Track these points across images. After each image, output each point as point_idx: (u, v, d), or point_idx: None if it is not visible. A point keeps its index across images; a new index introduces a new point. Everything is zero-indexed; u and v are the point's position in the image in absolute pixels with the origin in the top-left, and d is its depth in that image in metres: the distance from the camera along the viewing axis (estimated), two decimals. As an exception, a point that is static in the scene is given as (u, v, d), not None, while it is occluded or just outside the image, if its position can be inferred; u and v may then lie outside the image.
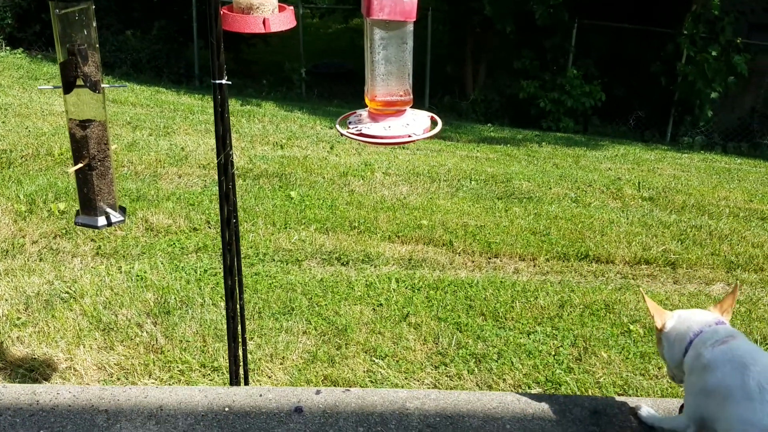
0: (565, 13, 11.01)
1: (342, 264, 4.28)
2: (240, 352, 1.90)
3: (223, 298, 2.36)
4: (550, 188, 6.01)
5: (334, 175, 5.98)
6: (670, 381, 3.09)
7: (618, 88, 11.50)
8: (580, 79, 11.21)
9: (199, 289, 3.69)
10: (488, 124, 11.15)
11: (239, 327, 1.87)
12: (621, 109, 11.66)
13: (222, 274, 2.18)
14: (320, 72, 13.50)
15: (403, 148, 7.58)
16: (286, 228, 4.69)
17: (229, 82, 1.60)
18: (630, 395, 2.98)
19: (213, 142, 6.30)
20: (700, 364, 1.98)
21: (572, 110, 11.23)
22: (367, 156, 6.79)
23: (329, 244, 4.48)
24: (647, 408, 2.35)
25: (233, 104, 9.55)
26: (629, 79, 11.73)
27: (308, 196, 5.34)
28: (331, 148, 6.98)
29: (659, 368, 3.21)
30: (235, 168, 1.64)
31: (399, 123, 1.75)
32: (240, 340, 1.88)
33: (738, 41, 11.01)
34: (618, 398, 2.55)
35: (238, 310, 1.82)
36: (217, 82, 1.57)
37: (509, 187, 5.98)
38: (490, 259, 4.55)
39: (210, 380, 2.94)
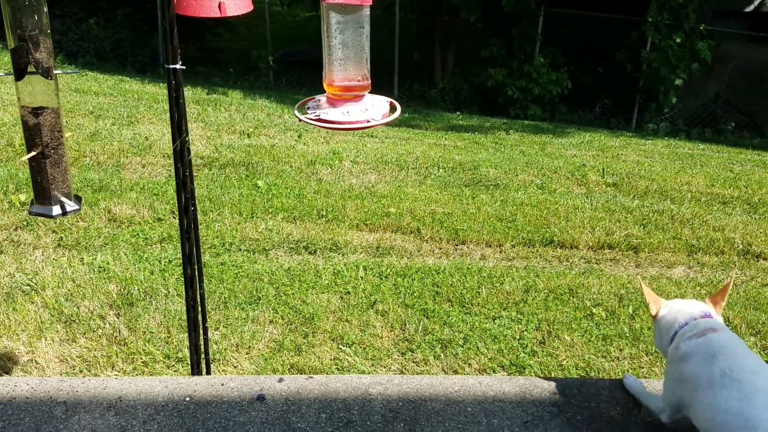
0: (532, 2, 11.06)
1: (309, 253, 4.27)
2: (201, 342, 1.89)
3: (186, 288, 2.34)
4: (517, 175, 6.06)
5: (302, 163, 5.95)
6: (630, 362, 3.15)
7: (584, 75, 11.61)
8: (546, 67, 11.29)
9: (164, 279, 3.65)
10: (457, 112, 11.18)
11: (200, 316, 1.86)
12: (587, 97, 11.78)
13: (183, 263, 2.17)
14: (288, 60, 13.39)
15: (372, 136, 7.56)
16: (253, 217, 4.66)
17: (183, 67, 1.58)
18: (591, 377, 3.04)
19: (178, 131, 6.18)
20: (677, 354, 2.04)
21: (539, 98, 11.31)
22: (335, 144, 6.77)
23: (297, 233, 4.46)
24: (632, 377, 2.40)
25: (199, 93, 9.43)
26: (595, 67, 11.85)
27: (275, 185, 5.31)
28: (298, 137, 6.93)
29: (620, 350, 3.27)
30: (191, 155, 1.62)
31: (358, 108, 1.74)
32: (201, 329, 1.87)
33: (702, 28, 11.18)
34: (578, 379, 2.59)
35: (198, 299, 1.81)
36: (171, 66, 1.55)
37: (476, 175, 6.01)
38: (457, 245, 4.58)
39: (174, 371, 2.92)
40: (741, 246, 4.68)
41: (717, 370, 1.88)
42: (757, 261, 4.55)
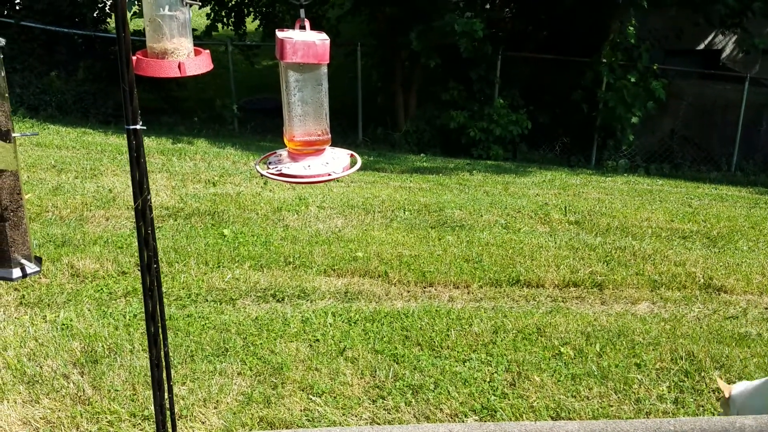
0: (489, 47, 11.37)
1: (277, 301, 4.25)
2: (166, 401, 1.86)
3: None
4: (482, 215, 6.14)
5: (268, 210, 5.95)
6: (600, 401, 3.18)
7: (543, 115, 11.90)
8: (506, 109, 11.55)
9: (128, 335, 3.59)
10: (421, 154, 11.33)
11: (164, 374, 1.84)
12: (547, 136, 12.06)
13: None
14: (253, 107, 13.45)
15: (338, 181, 7.62)
16: (219, 267, 4.63)
17: (144, 127, 1.60)
18: (562, 417, 3.05)
19: (142, 182, 6.14)
20: None
21: (501, 138, 11.53)
22: (301, 190, 6.79)
23: (264, 281, 4.44)
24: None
25: (164, 143, 9.40)
26: (553, 107, 12.16)
27: (242, 233, 5.29)
28: (264, 184, 6.94)
29: (590, 389, 3.30)
30: (157, 205, 1.62)
31: (319, 162, 1.77)
32: (166, 387, 1.85)
33: (655, 67, 11.58)
34: (547, 423, 2.60)
35: (163, 357, 1.79)
36: (132, 127, 1.57)
37: (442, 216, 6.08)
38: (425, 288, 4.61)
39: (140, 430, 2.86)
40: (702, 280, 4.79)
41: None
42: (719, 294, 4.65)
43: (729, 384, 2.79)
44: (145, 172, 1.60)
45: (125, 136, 1.63)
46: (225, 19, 14.04)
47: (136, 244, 4.89)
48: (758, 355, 3.68)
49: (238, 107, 12.53)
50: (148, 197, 1.62)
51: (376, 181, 7.98)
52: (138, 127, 1.59)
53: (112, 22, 12.77)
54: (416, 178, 8.47)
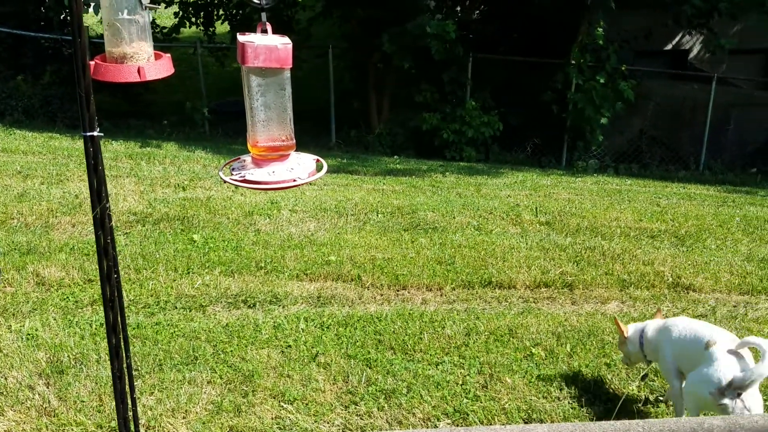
0: (461, 49, 11.41)
1: (249, 306, 4.21)
2: (130, 414, 1.82)
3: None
4: (454, 217, 6.15)
5: (239, 215, 5.89)
6: (570, 403, 3.19)
7: (514, 117, 11.97)
8: (478, 110, 11.61)
9: (95, 344, 3.52)
10: (394, 156, 11.32)
11: (128, 387, 1.80)
12: (519, 137, 12.14)
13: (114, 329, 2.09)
14: (224, 110, 13.32)
15: (310, 183, 7.56)
16: (188, 273, 4.57)
17: (102, 134, 1.56)
18: (534, 419, 3.06)
19: (110, 187, 6.03)
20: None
21: (473, 140, 11.59)
22: (273, 194, 6.73)
23: (235, 287, 4.39)
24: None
25: (132, 147, 9.27)
26: (524, 109, 12.25)
27: (212, 239, 5.23)
28: (235, 188, 6.88)
29: (560, 390, 3.31)
30: (113, 221, 1.58)
31: (283, 167, 1.75)
32: (130, 400, 1.81)
33: (623, 68, 11.72)
34: (517, 426, 2.60)
35: (125, 369, 1.75)
36: (89, 134, 1.53)
37: (415, 219, 6.07)
38: (398, 291, 4.59)
39: (107, 441, 2.80)
40: (671, 279, 4.84)
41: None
42: (687, 293, 4.71)
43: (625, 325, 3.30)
44: (103, 179, 1.56)
45: (99, 141, 1.58)
46: (193, 19, 13.90)
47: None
48: (726, 352, 3.72)
49: (209, 110, 12.40)
50: (107, 205, 1.58)
51: (350, 183, 7.95)
52: (95, 133, 1.55)
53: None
54: (389, 180, 8.46)
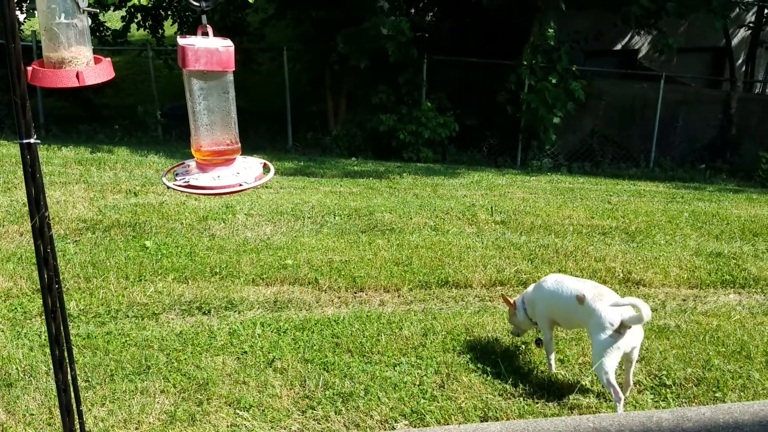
0: (415, 50, 11.47)
1: (203, 313, 4.15)
2: (77, 426, 1.77)
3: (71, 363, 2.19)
4: (411, 218, 6.17)
5: (193, 220, 5.81)
6: (525, 400, 3.23)
7: (470, 118, 12.09)
8: (434, 111, 11.68)
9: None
10: (352, 158, 11.31)
11: (73, 399, 1.75)
12: (475, 138, 12.26)
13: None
14: (177, 113, 13.09)
15: (266, 186, 7.49)
16: (141, 280, 4.48)
17: (38, 141, 1.51)
18: (491, 417, 3.08)
19: (58, 194, 5.86)
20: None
21: (430, 141, 11.65)
22: (228, 198, 6.65)
23: (189, 294, 4.33)
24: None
25: (82, 152, 9.05)
26: (479, 109, 12.37)
27: (165, 245, 5.14)
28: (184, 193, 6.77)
29: (515, 387, 3.34)
30: (52, 230, 1.54)
31: (229, 172, 1.73)
32: (76, 413, 1.76)
33: (574, 68, 11.93)
34: (472, 425, 2.61)
35: (71, 381, 1.70)
36: (25, 141, 1.48)
37: (372, 220, 6.07)
38: (356, 293, 4.58)
39: (56, 456, 2.73)
40: (622, 274, 4.94)
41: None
42: (638, 288, 4.82)
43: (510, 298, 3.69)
44: (41, 188, 1.51)
45: (41, 146, 1.54)
46: (142, 22, 13.66)
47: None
48: (677, 346, 3.81)
49: (161, 113, 12.18)
50: (46, 214, 1.53)
51: (306, 186, 7.91)
52: (32, 141, 1.50)
53: (26, 30, 12.23)
54: (347, 182, 8.44)
